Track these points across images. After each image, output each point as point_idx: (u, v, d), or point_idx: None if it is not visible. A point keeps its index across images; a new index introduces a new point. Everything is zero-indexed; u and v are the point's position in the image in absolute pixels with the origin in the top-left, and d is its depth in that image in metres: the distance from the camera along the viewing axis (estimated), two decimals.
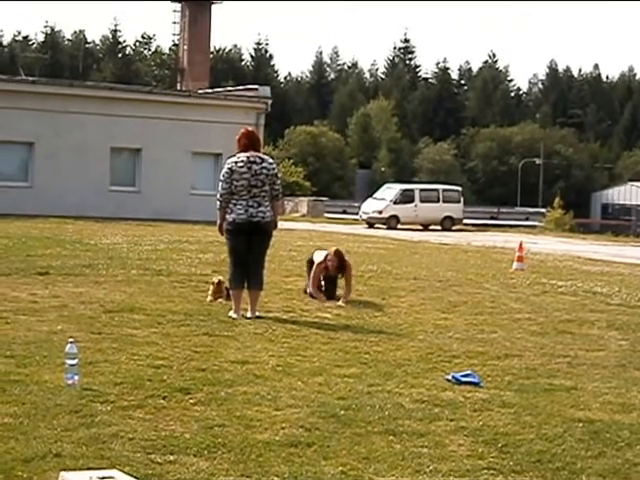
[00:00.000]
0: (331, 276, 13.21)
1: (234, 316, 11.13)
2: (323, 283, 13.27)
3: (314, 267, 13.21)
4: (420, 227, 46.97)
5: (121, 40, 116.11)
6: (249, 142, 11.51)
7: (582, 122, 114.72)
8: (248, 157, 11.37)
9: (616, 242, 42.74)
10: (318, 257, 13.49)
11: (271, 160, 11.64)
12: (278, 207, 11.81)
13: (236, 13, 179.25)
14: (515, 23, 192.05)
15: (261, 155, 11.51)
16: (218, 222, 11.57)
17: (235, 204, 11.33)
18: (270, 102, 40.15)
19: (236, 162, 11.36)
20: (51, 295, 12.03)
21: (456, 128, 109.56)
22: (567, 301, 14.59)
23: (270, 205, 11.43)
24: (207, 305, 11.94)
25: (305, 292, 13.34)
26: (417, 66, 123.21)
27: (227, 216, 11.39)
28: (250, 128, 12.00)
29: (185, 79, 63.79)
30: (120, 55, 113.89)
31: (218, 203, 11.46)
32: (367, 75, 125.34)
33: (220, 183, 11.46)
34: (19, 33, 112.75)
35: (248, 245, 11.39)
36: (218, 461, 5.86)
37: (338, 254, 13.15)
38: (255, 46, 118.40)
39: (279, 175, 11.81)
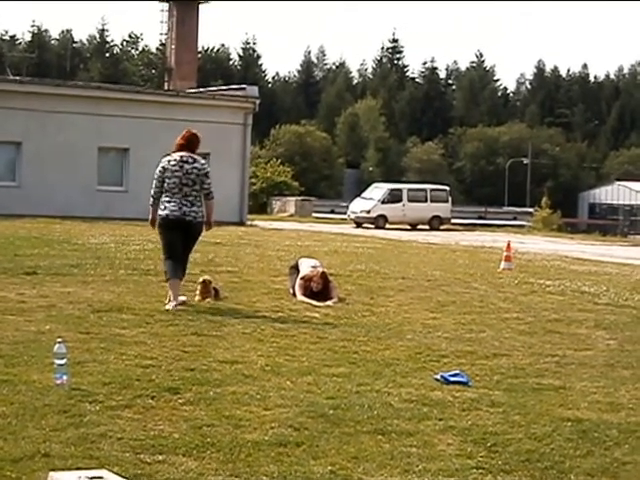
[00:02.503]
0: (314, 292, 13.13)
1: (169, 307, 11.38)
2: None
3: (298, 279, 13.18)
4: (408, 227, 47.01)
5: (108, 39, 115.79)
6: (185, 143, 11.97)
7: (569, 122, 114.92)
8: (181, 157, 11.80)
9: (603, 242, 42.89)
10: (304, 266, 13.46)
11: (203, 161, 12.05)
12: (211, 206, 12.06)
13: (224, 13, 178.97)
14: (503, 23, 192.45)
15: (194, 155, 11.92)
16: (150, 217, 12.01)
17: (169, 201, 11.70)
18: (258, 102, 40.15)
19: (169, 161, 11.83)
20: (39, 295, 12.00)
21: (444, 128, 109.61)
22: (555, 300, 14.62)
23: (203, 206, 11.83)
24: (195, 305, 11.92)
25: (293, 295, 13.27)
26: (405, 66, 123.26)
27: (160, 212, 11.78)
28: (193, 131, 12.31)
29: (173, 79, 63.66)
30: (107, 55, 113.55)
31: (151, 200, 11.87)
32: (355, 75, 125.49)
33: (153, 181, 11.85)
34: (6, 32, 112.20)
35: (181, 239, 11.77)
36: (207, 461, 5.85)
37: (324, 277, 13.13)
38: (243, 46, 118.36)
39: (209, 175, 12.05)
